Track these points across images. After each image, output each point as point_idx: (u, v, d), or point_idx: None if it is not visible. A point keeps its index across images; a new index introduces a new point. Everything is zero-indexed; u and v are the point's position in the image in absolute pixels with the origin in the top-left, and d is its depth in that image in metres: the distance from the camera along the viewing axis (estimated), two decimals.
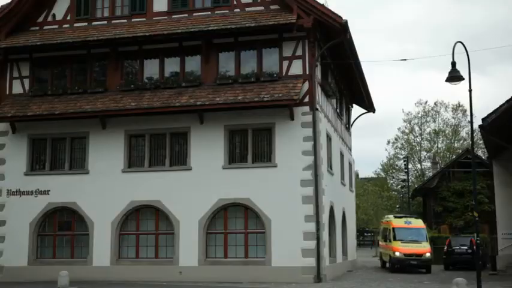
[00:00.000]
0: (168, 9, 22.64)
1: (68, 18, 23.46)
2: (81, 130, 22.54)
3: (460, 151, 52.15)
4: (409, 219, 29.07)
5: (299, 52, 21.11)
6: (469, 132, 23.10)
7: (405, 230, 27.91)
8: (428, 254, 26.76)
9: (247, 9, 21.88)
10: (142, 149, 22.13)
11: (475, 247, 20.44)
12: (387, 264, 28.69)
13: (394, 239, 27.36)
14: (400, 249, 26.65)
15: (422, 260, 26.70)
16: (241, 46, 21.78)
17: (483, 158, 43.52)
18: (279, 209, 20.18)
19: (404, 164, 51.84)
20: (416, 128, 61.42)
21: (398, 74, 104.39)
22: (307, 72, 20.94)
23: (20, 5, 23.04)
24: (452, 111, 59.83)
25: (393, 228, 28.01)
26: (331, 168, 23.31)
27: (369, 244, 71.01)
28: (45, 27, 23.47)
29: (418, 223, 28.93)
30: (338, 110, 27.03)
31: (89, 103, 21.98)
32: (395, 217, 29.94)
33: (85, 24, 23.20)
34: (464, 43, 17.56)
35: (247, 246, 20.77)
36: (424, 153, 61.97)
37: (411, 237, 27.47)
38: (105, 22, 23.10)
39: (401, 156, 59.40)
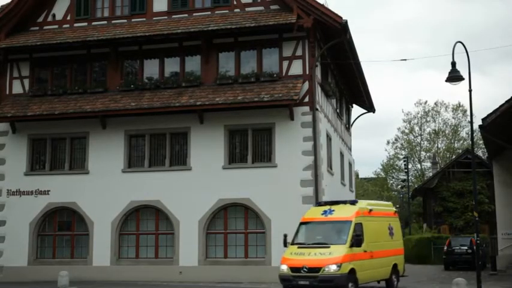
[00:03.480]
0: (168, 9, 22.65)
1: (68, 18, 23.47)
2: (81, 130, 22.54)
3: (460, 151, 52.15)
4: (335, 207, 16.94)
5: (299, 52, 21.12)
6: (469, 132, 23.10)
7: (316, 227, 16.77)
8: (333, 267, 14.86)
9: (247, 9, 21.89)
10: (142, 149, 22.14)
11: (475, 247, 20.44)
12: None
13: (292, 243, 16.41)
14: (289, 260, 15.66)
15: (321, 278, 15.01)
16: (241, 46, 21.79)
17: (483, 158, 43.53)
18: (279, 209, 20.18)
19: (404, 164, 51.82)
20: (416, 128, 61.42)
21: (398, 74, 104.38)
22: (307, 72, 20.95)
23: (20, 5, 23.04)
24: (452, 111, 59.86)
25: (300, 224, 17.02)
26: (331, 168, 23.31)
27: None
28: (45, 27, 23.48)
29: (347, 211, 16.61)
30: (338, 110, 27.03)
31: (89, 103, 21.99)
32: (316, 205, 18.40)
33: (85, 24, 23.21)
34: (464, 43, 17.58)
35: (247, 246, 20.77)
36: (424, 153, 61.99)
37: (320, 237, 16.29)
38: (105, 22, 23.11)
39: (401, 156, 59.38)
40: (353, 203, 17.07)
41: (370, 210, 17.14)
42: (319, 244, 15.83)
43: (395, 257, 18.25)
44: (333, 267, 14.92)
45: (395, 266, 18.06)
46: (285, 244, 16.53)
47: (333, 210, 16.64)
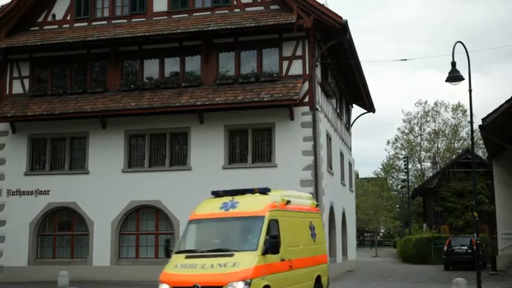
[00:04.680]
0: (168, 9, 22.65)
1: (68, 18, 23.47)
2: (81, 130, 22.54)
3: (460, 151, 52.17)
4: (240, 198, 12.29)
5: (299, 52, 21.12)
6: (469, 132, 23.10)
7: (213, 226, 12.17)
8: (240, 286, 10.35)
9: (247, 9, 21.89)
10: (142, 149, 22.13)
11: (475, 247, 20.44)
12: None
13: (178, 251, 11.87)
14: (173, 276, 10.96)
15: None
16: (241, 46, 21.78)
17: (483, 158, 43.54)
18: None
19: (404, 164, 51.85)
20: (416, 128, 61.50)
21: (398, 74, 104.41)
22: (307, 72, 20.94)
23: (20, 5, 23.04)
24: (452, 111, 59.89)
25: (189, 224, 12.38)
26: (331, 168, 23.30)
27: (369, 244, 71.10)
28: (45, 27, 23.47)
29: (257, 204, 12.05)
30: (338, 110, 27.03)
31: (89, 103, 21.98)
32: (212, 195, 12.91)
33: (85, 24, 23.21)
34: (464, 43, 17.58)
35: None
36: (424, 153, 62.02)
37: (219, 241, 11.85)
38: (105, 22, 23.11)
39: (401, 157, 59.43)
40: (264, 191, 12.21)
41: (288, 202, 12.51)
42: (218, 251, 10.95)
43: (319, 267, 13.69)
44: (240, 286, 10.21)
45: (318, 278, 13.57)
46: (168, 254, 12.04)
47: (237, 203, 11.87)
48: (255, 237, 11.10)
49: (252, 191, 12.29)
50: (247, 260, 10.63)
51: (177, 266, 10.97)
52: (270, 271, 10.97)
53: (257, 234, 11.14)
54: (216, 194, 12.66)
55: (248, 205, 11.87)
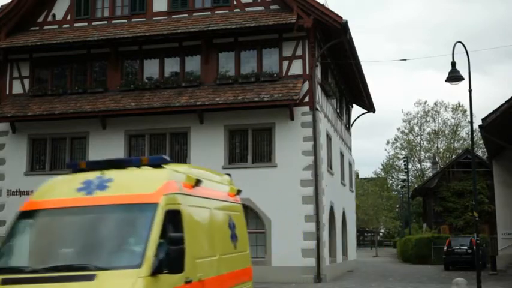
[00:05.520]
0: (168, 9, 22.65)
1: (68, 18, 23.47)
2: (81, 130, 22.54)
3: (460, 151, 52.17)
4: (114, 174, 6.80)
5: (299, 52, 21.11)
6: (469, 132, 23.11)
7: (62, 223, 6.73)
8: None
9: (247, 9, 21.89)
10: (143, 149, 22.12)
11: (475, 247, 20.44)
12: None
13: None
14: None
15: None
16: (241, 46, 21.78)
17: (483, 158, 43.53)
18: (279, 209, 20.17)
19: (404, 164, 51.86)
20: (416, 128, 61.52)
21: (398, 74, 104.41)
22: (307, 72, 20.94)
23: (20, 5, 23.04)
24: (452, 111, 59.91)
25: (19, 219, 6.77)
26: (331, 168, 23.30)
27: (369, 244, 71.12)
28: (45, 27, 23.47)
29: (144, 183, 6.72)
30: (338, 110, 27.03)
31: (89, 103, 21.99)
32: (69, 168, 7.40)
33: (85, 24, 23.21)
34: (464, 43, 17.59)
35: None
36: (423, 153, 62.04)
37: (75, 250, 6.40)
38: (105, 22, 23.10)
39: (401, 157, 59.44)
40: (157, 163, 7.14)
41: (198, 183, 7.51)
42: (68, 271, 5.97)
43: (243, 286, 9.03)
44: None
45: None
46: None
47: (109, 181, 6.76)
48: (139, 244, 6.12)
49: (136, 163, 7.02)
50: None
51: None
52: None
53: (142, 237, 6.13)
54: (74, 168, 7.19)
55: (128, 185, 6.71)
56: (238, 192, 10.03)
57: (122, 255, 6.15)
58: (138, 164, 7.04)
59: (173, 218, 6.58)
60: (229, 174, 10.19)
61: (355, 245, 33.71)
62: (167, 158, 7.28)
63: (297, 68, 21.07)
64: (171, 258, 6.09)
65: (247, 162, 21.11)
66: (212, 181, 8.64)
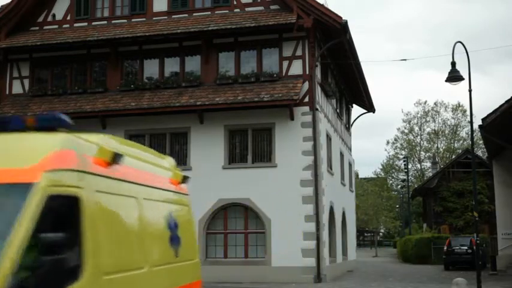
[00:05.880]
0: (168, 9, 22.65)
1: (68, 18, 23.47)
2: (81, 130, 22.46)
3: (460, 151, 52.18)
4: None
5: (299, 52, 21.11)
6: (469, 132, 23.11)
7: None
8: None
9: (247, 9, 21.88)
10: None
11: (475, 247, 20.44)
12: None
13: None
14: None
15: None
16: (241, 46, 21.78)
17: (483, 158, 43.54)
18: (279, 209, 20.17)
19: (404, 164, 51.87)
20: (416, 128, 61.53)
21: (398, 74, 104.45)
22: (307, 72, 20.94)
23: (20, 5, 23.04)
24: (452, 111, 59.93)
25: None
26: (331, 168, 23.30)
27: (369, 244, 71.14)
28: (45, 27, 23.47)
29: (21, 152, 4.26)
30: (338, 110, 27.03)
31: (89, 103, 21.98)
32: None
33: (85, 24, 23.21)
34: (464, 43, 17.59)
35: (247, 246, 20.76)
36: (423, 153, 62.06)
37: None
38: (105, 22, 23.10)
39: (401, 157, 59.45)
40: (49, 125, 4.70)
41: (117, 158, 5.14)
42: None
43: None
44: None
45: None
46: None
47: None
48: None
49: (17, 124, 4.68)
50: None
51: None
52: None
53: None
54: None
55: None
56: (185, 179, 7.57)
57: None
58: (21, 126, 4.61)
59: (64, 209, 4.24)
60: (171, 158, 7.76)
61: (355, 245, 33.72)
62: (67, 119, 4.95)
63: (297, 68, 21.07)
64: (44, 276, 3.74)
65: (247, 162, 21.11)
66: (144, 161, 6.11)
